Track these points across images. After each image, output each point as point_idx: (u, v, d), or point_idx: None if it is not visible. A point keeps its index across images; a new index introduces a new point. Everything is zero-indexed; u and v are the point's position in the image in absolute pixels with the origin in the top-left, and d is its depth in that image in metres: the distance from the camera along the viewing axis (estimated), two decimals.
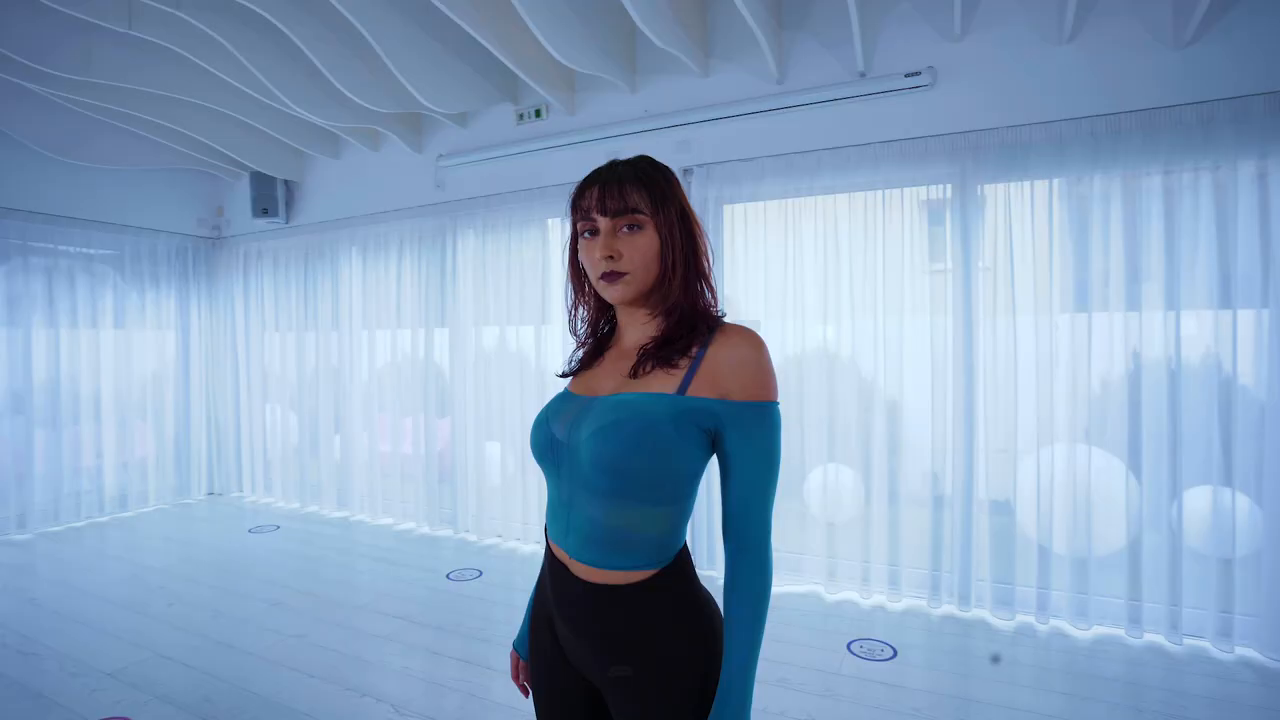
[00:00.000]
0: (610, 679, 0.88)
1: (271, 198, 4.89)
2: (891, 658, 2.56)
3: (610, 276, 0.88)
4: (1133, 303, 2.67)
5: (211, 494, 5.41)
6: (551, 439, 0.93)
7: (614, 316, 1.01)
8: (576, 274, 0.99)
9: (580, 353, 1.02)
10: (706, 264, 0.93)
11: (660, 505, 0.86)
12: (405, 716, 2.19)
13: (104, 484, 4.75)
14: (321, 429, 4.91)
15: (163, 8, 2.91)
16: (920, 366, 3.04)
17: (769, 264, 3.34)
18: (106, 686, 2.39)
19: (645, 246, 0.88)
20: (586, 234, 0.91)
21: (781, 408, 0.88)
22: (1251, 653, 2.48)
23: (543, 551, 1.00)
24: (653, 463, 0.83)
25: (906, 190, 3.00)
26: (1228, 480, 2.54)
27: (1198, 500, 2.60)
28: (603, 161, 0.94)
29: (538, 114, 3.92)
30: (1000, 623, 2.81)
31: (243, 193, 5.12)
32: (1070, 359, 2.77)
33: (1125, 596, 2.68)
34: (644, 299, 0.91)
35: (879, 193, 3.03)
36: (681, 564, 0.90)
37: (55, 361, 4.52)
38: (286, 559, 3.84)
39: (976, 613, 2.91)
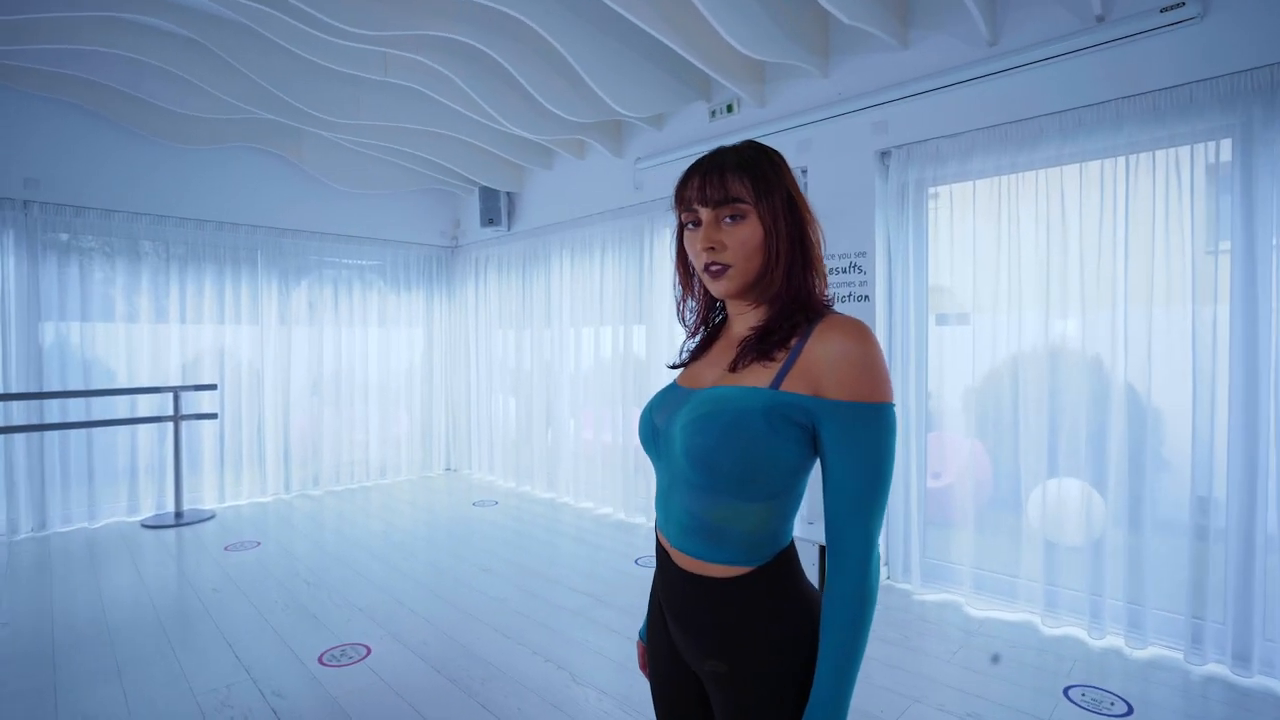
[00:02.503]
0: (706, 672, 0.87)
1: (496, 208, 5.53)
2: (1125, 715, 2.13)
3: (714, 271, 0.86)
4: None
5: (448, 469, 6.29)
6: (654, 429, 0.93)
7: (725, 306, 0.98)
8: (684, 265, 0.98)
9: (692, 343, 1.01)
10: (817, 251, 0.88)
11: (754, 501, 0.82)
12: (581, 685, 2.35)
13: (370, 456, 5.80)
14: (535, 417, 5.43)
15: (408, 55, 3.46)
16: (1179, 366, 2.48)
17: (978, 251, 2.97)
18: (357, 618, 2.91)
19: (748, 237, 0.84)
20: (690, 225, 0.90)
21: (886, 407, 0.77)
22: None
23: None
24: (744, 458, 0.80)
25: (1159, 153, 2.45)
26: None
27: None
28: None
29: (729, 109, 3.92)
30: None
31: (472, 206, 5.87)
32: None
33: None
34: (748, 290, 0.88)
35: (1120, 159, 2.53)
36: (783, 564, 0.85)
37: (338, 353, 5.61)
38: (500, 531, 4.32)
39: (1262, 681, 2.30)
